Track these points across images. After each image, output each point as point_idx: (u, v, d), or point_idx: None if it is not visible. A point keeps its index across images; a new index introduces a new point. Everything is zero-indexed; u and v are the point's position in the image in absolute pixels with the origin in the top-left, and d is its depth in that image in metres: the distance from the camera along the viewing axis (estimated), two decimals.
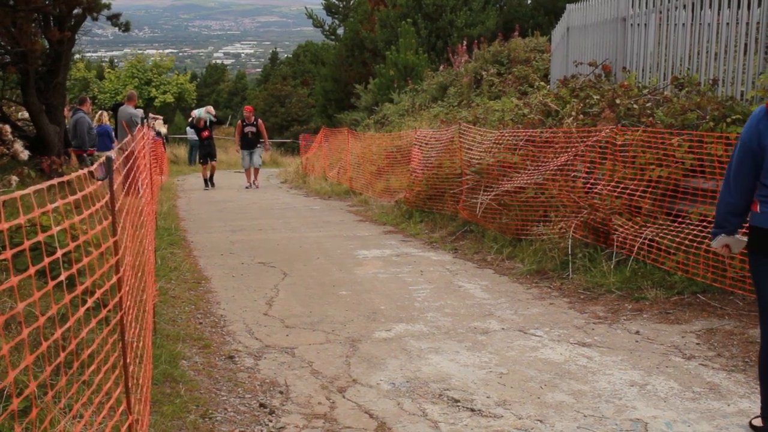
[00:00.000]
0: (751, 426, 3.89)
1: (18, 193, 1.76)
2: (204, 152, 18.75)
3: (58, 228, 2.03)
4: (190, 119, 19.34)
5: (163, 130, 22.29)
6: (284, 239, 10.11)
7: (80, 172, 2.41)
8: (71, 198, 2.14)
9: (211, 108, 19.08)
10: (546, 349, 5.14)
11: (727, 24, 7.64)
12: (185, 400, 4.16)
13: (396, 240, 9.96)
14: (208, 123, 18.29)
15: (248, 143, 18.65)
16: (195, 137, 21.25)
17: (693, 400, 4.16)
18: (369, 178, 15.12)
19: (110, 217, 2.74)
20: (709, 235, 4.11)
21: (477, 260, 8.37)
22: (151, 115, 21.85)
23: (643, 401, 4.16)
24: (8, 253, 1.69)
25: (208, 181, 18.70)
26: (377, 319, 5.98)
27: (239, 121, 19.54)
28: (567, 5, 12.71)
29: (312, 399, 4.27)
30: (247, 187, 18.53)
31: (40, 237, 1.91)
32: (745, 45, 7.38)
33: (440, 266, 8.09)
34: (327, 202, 15.43)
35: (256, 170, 18.91)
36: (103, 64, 56.93)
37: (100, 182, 2.69)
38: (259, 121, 19.16)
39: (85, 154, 13.32)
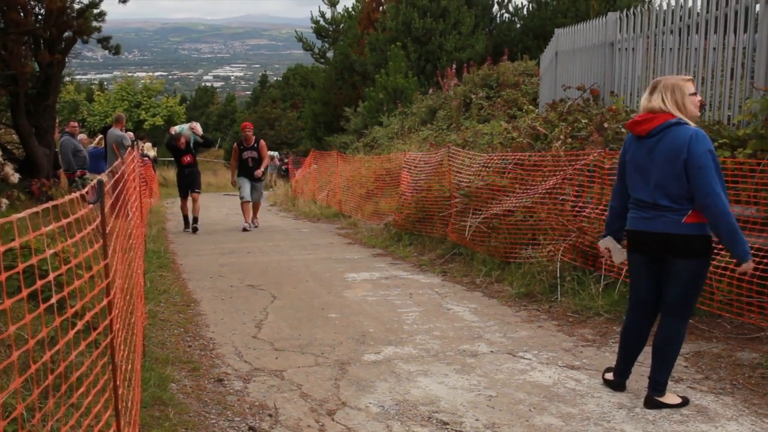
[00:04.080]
0: (604, 379, 4.82)
1: (14, 217, 1.77)
2: (184, 182, 13.84)
3: (51, 252, 2.04)
4: (168, 137, 14.31)
5: (152, 153, 21.96)
6: (273, 262, 10.10)
7: (72, 195, 2.42)
8: (64, 221, 2.16)
9: (196, 125, 14.05)
10: (535, 372, 5.15)
11: (714, 49, 7.74)
12: (174, 424, 4.14)
13: (385, 263, 9.97)
14: (191, 144, 13.60)
15: (248, 172, 14.00)
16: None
17: (681, 423, 4.17)
18: (358, 200, 15.15)
19: (101, 240, 2.75)
20: None
21: (466, 283, 8.38)
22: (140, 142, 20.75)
23: (631, 424, 4.17)
24: (2, 276, 1.70)
25: (188, 219, 14.07)
26: (366, 341, 5.98)
27: (235, 144, 14.37)
28: (555, 30, 12.85)
29: (301, 422, 4.26)
30: (245, 229, 13.96)
31: (34, 260, 1.92)
32: (732, 70, 7.47)
33: (429, 289, 8.10)
34: (316, 225, 15.44)
35: (256, 206, 14.62)
36: (93, 86, 57.17)
37: (91, 205, 2.70)
38: (262, 142, 14.28)
39: (75, 176, 13.32)
